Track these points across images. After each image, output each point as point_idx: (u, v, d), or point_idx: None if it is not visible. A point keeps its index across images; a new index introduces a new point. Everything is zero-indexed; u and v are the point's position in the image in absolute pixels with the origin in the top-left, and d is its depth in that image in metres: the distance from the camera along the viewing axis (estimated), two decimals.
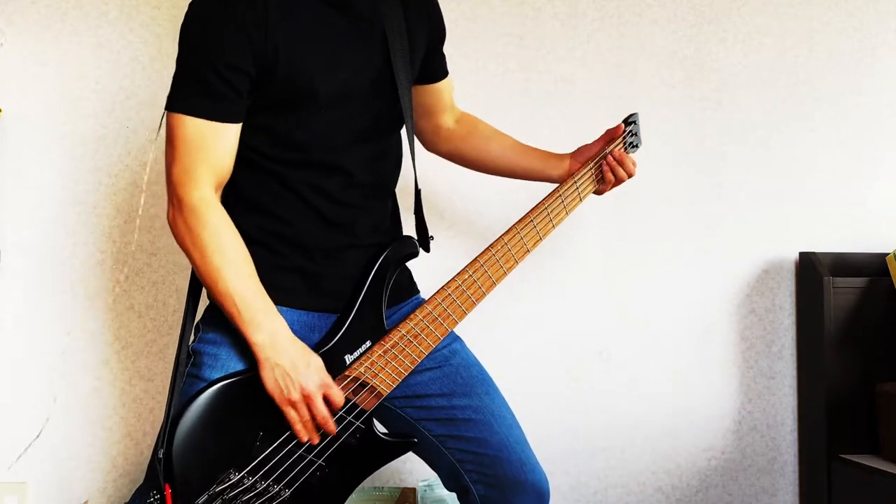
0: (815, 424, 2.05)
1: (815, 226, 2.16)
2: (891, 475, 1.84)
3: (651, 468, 2.09)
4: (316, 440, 1.24)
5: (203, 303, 1.32)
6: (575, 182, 1.44)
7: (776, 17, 2.17)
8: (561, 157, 1.52)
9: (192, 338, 1.31)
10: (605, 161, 1.46)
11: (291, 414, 1.21)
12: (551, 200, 1.41)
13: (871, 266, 2.09)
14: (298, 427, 1.22)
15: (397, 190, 1.44)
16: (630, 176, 1.48)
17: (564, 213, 1.43)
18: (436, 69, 1.50)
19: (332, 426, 1.23)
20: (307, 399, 1.21)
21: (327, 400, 1.23)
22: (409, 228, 1.45)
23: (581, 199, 1.46)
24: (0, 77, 1.93)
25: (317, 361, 1.22)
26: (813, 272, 2.06)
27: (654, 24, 2.12)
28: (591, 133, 2.08)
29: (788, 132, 2.16)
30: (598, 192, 1.50)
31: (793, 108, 2.16)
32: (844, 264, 2.09)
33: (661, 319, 2.10)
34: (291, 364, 1.20)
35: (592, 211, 2.08)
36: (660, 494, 2.09)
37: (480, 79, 2.06)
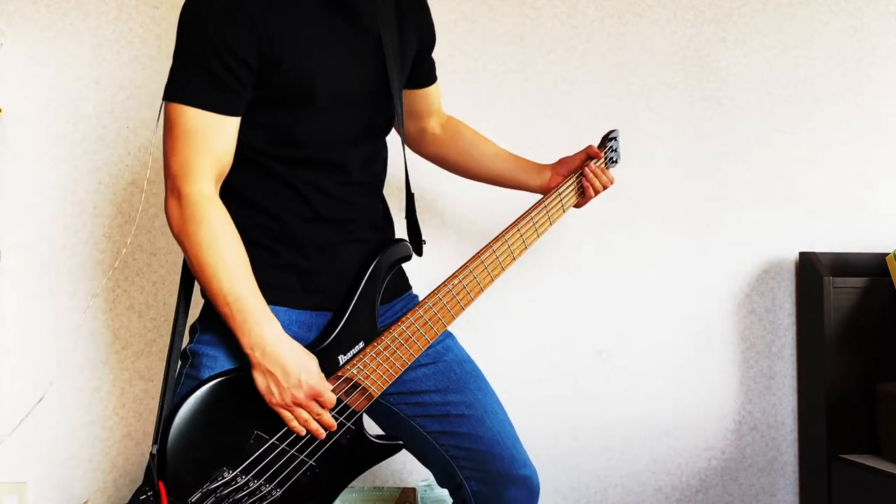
0: (815, 424, 2.05)
1: (815, 226, 2.16)
2: (891, 475, 1.84)
3: (651, 468, 2.09)
4: (321, 434, 1.24)
5: (196, 296, 1.32)
6: (559, 194, 1.49)
7: (776, 17, 2.17)
8: (542, 167, 1.56)
9: (189, 339, 1.31)
10: (584, 177, 1.51)
11: (286, 414, 1.22)
12: (536, 211, 1.44)
13: (871, 266, 2.09)
14: (294, 424, 1.22)
15: (389, 193, 1.45)
16: (606, 187, 1.54)
17: (549, 223, 1.47)
18: (426, 75, 1.51)
19: (327, 419, 1.23)
20: (299, 406, 1.21)
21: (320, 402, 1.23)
22: (401, 230, 1.45)
23: (564, 211, 1.51)
24: (0, 77, 1.93)
25: (311, 366, 1.21)
26: (813, 272, 2.06)
27: (654, 24, 2.12)
28: (591, 133, 2.09)
29: (788, 132, 2.16)
30: (577, 206, 1.55)
31: (793, 108, 2.16)
32: (844, 264, 2.09)
33: (660, 319, 2.10)
34: (283, 372, 1.19)
35: (592, 211, 2.08)
36: (660, 494, 2.09)
37: (480, 79, 2.06)
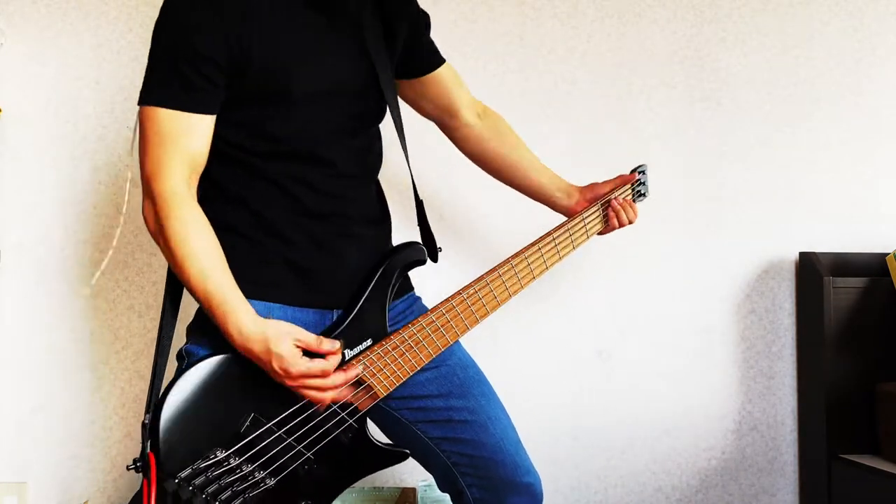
0: (815, 424, 2.05)
1: (815, 226, 2.16)
2: (891, 475, 1.84)
3: (651, 468, 2.09)
4: (326, 400, 1.21)
5: (185, 299, 1.31)
6: (583, 219, 1.48)
7: (776, 17, 2.17)
8: (571, 189, 1.55)
9: (186, 339, 1.30)
10: (610, 206, 1.51)
11: (299, 392, 1.20)
12: (560, 233, 1.44)
13: (871, 266, 2.09)
14: (312, 395, 1.20)
15: (397, 195, 1.44)
16: (631, 222, 1.53)
17: (571, 247, 1.47)
18: (426, 59, 1.47)
19: (331, 393, 1.21)
20: (304, 378, 1.18)
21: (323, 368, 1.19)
22: (411, 235, 1.44)
23: (588, 237, 1.50)
24: (0, 77, 1.93)
25: (281, 349, 1.15)
26: (813, 272, 2.06)
27: (654, 24, 2.12)
28: (591, 134, 2.09)
29: (788, 132, 2.16)
30: (600, 233, 1.54)
31: (793, 108, 2.16)
32: (844, 264, 2.09)
33: (661, 319, 2.10)
34: (259, 360, 1.17)
35: None
36: (660, 494, 2.09)
37: (480, 79, 2.05)
